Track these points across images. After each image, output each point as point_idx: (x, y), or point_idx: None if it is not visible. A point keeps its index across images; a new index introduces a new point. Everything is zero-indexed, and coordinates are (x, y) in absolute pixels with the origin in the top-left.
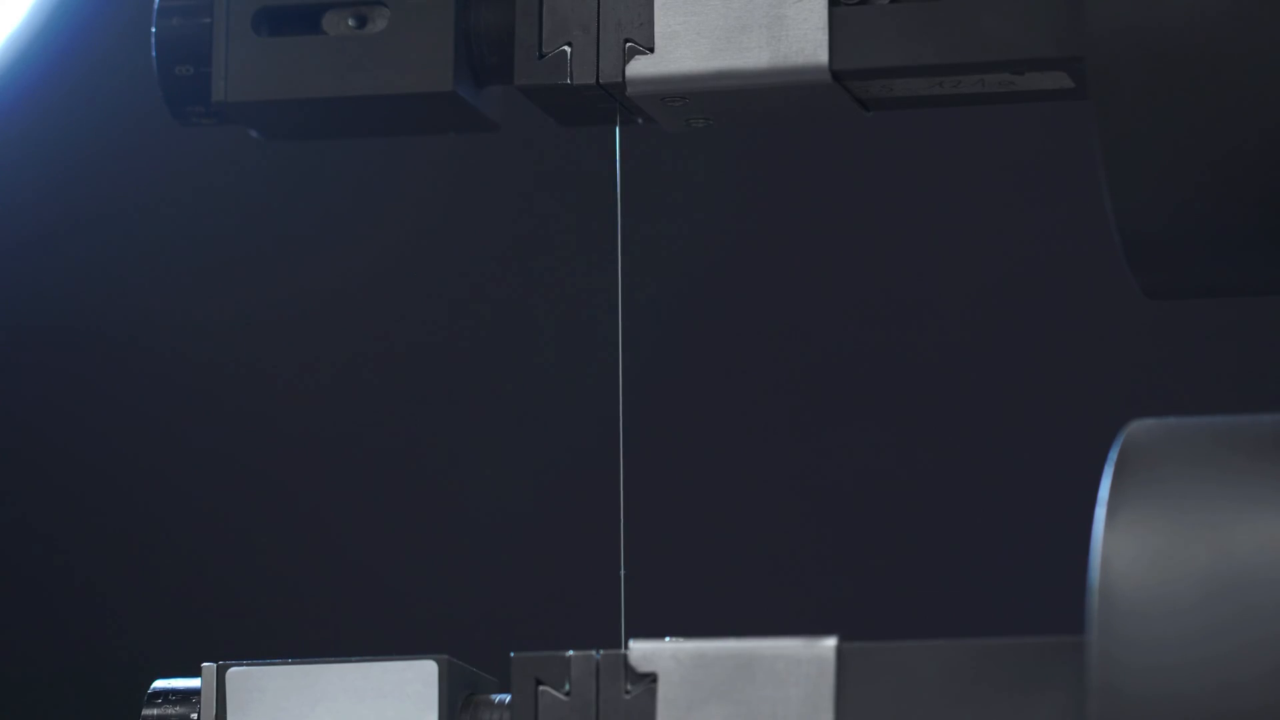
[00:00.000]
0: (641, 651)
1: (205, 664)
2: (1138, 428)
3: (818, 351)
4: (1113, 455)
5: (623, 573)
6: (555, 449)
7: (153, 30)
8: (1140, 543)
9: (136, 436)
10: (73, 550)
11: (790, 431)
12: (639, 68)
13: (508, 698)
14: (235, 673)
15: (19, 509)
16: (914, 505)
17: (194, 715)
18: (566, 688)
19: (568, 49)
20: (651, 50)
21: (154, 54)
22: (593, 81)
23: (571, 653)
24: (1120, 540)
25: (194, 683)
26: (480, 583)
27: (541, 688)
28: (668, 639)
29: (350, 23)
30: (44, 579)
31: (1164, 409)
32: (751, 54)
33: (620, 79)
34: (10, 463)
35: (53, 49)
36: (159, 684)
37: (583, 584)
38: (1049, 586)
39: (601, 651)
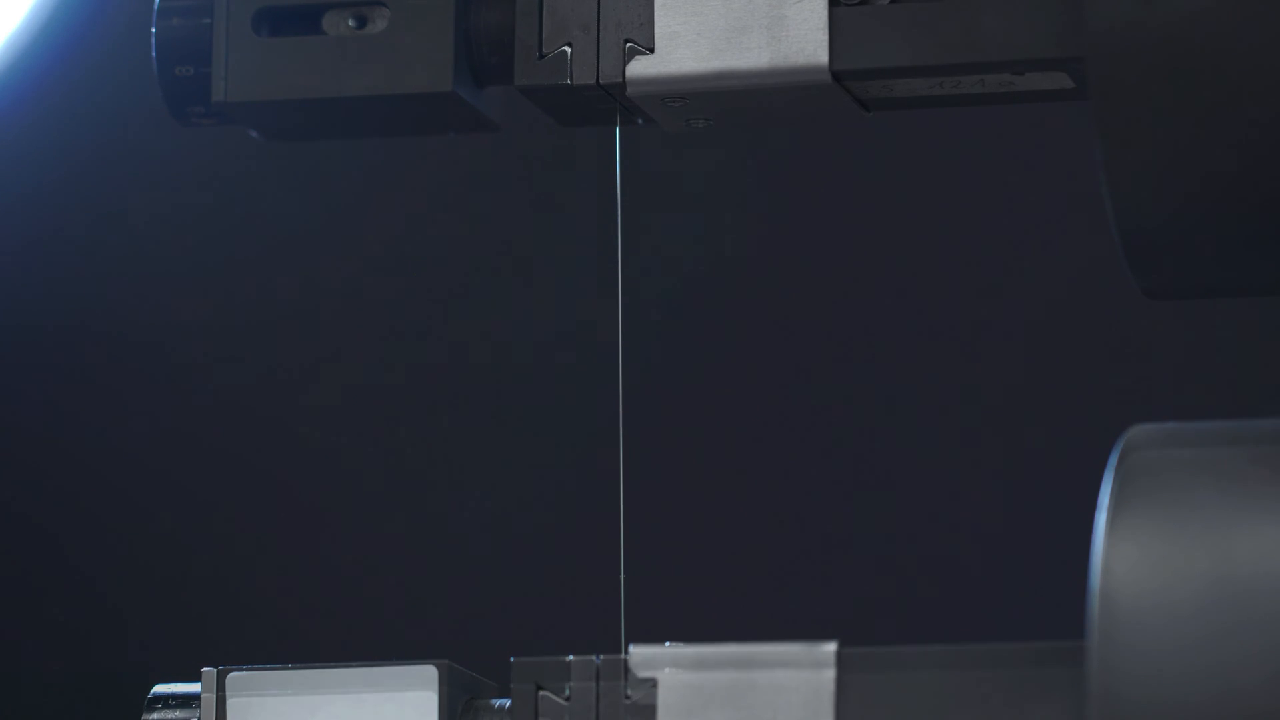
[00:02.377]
0: (642, 656)
1: (205, 669)
2: (1138, 433)
3: (817, 353)
4: (1113, 460)
5: (623, 576)
6: (555, 450)
7: (153, 30)
8: (1141, 549)
9: (136, 437)
10: (72, 552)
11: (790, 433)
12: (639, 68)
13: (508, 702)
14: (235, 677)
15: (18, 510)
16: (914, 509)
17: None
18: (567, 692)
19: (568, 49)
20: (651, 50)
21: (154, 54)
22: (593, 82)
23: (572, 657)
24: (1121, 546)
25: (194, 687)
26: (481, 587)
27: (542, 692)
28: (668, 644)
29: (350, 23)
30: (42, 581)
31: (1164, 408)
32: (751, 54)
33: (620, 79)
34: (10, 463)
35: (53, 49)
36: (159, 688)
37: (583, 588)
38: (1049, 588)
39: (602, 656)
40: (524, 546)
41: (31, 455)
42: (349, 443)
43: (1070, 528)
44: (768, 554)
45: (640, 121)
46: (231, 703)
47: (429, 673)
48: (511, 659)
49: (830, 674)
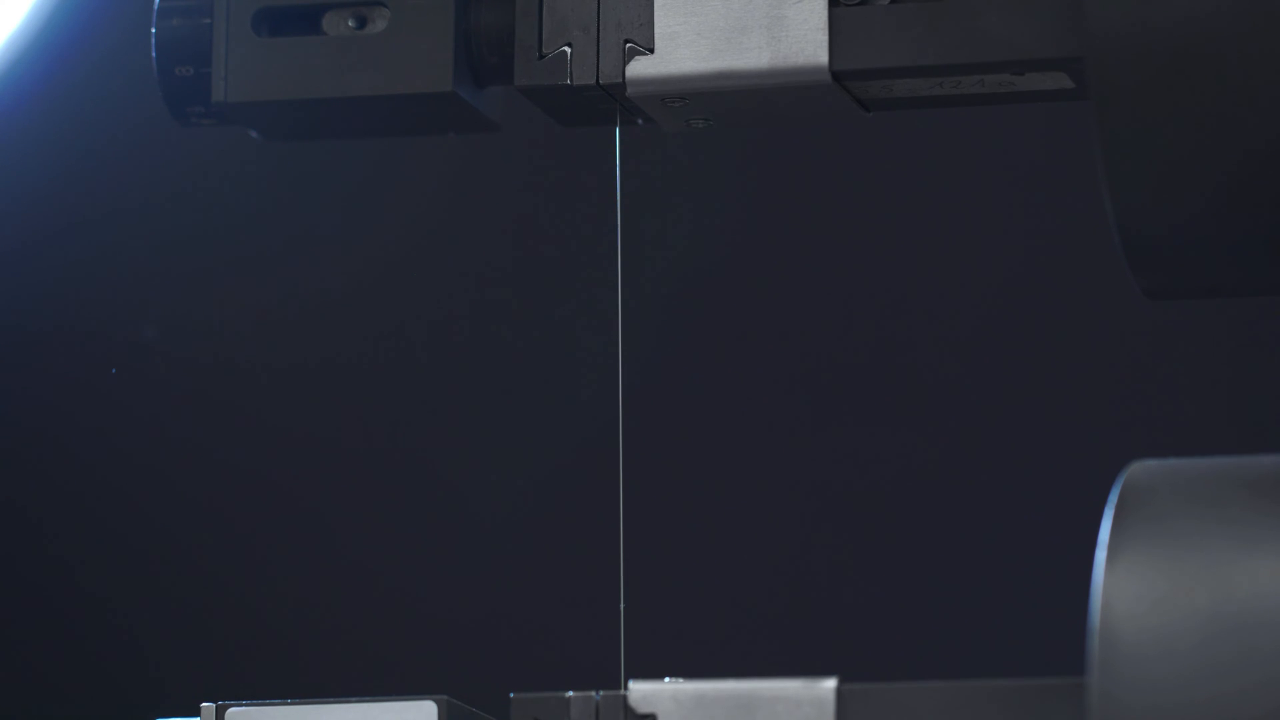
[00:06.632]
0: (641, 692)
1: (205, 704)
2: (1138, 469)
3: (817, 354)
4: (1113, 497)
5: (622, 607)
6: (555, 470)
7: (153, 30)
8: (1140, 585)
9: (136, 437)
10: (70, 554)
11: (790, 437)
12: (639, 68)
13: None
14: (235, 713)
15: (17, 512)
16: (913, 514)
17: None
18: None
19: (568, 49)
20: (651, 51)
21: (154, 54)
22: (593, 82)
23: (571, 693)
24: (1121, 582)
25: None
26: (481, 621)
27: None
28: (667, 680)
29: (350, 23)
30: (40, 588)
31: (1163, 409)
32: (751, 54)
33: (620, 79)
34: (9, 464)
35: (53, 49)
36: None
37: (583, 621)
38: (1049, 621)
39: (601, 693)
40: (525, 578)
41: (31, 456)
42: (348, 453)
43: (1068, 523)
44: (768, 568)
45: (640, 121)
46: None
47: (428, 708)
48: (511, 694)
49: (830, 710)
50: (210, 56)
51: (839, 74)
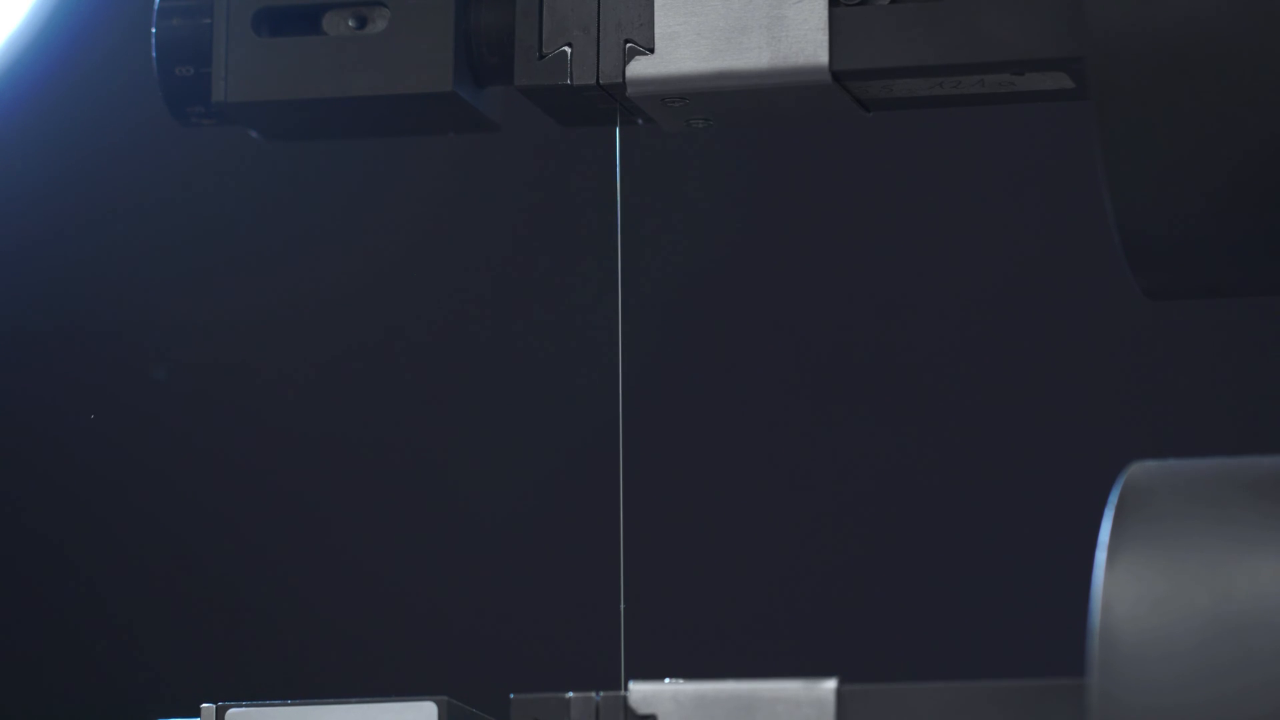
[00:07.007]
0: (641, 693)
1: (205, 705)
2: (1138, 470)
3: (817, 354)
4: (1113, 498)
5: (622, 607)
6: (555, 470)
7: (153, 31)
8: (1141, 586)
9: (136, 437)
10: (70, 560)
11: (790, 437)
12: (639, 68)
13: None
14: (235, 713)
15: (17, 512)
16: (913, 514)
17: None
18: None
19: (568, 49)
20: (651, 51)
21: (154, 54)
22: (593, 82)
23: (571, 694)
24: (1121, 583)
25: None
26: (481, 621)
27: None
28: (667, 680)
29: (350, 23)
30: (40, 588)
31: (1163, 409)
32: (751, 54)
33: (620, 79)
34: (9, 464)
35: (53, 49)
36: None
37: (583, 622)
38: (1050, 620)
39: (601, 693)
40: (525, 578)
41: (31, 456)
42: (349, 453)
43: (1068, 523)
44: (768, 568)
45: (640, 121)
46: None
47: (428, 709)
48: (511, 695)
49: (830, 711)
50: (210, 56)
51: (839, 74)
